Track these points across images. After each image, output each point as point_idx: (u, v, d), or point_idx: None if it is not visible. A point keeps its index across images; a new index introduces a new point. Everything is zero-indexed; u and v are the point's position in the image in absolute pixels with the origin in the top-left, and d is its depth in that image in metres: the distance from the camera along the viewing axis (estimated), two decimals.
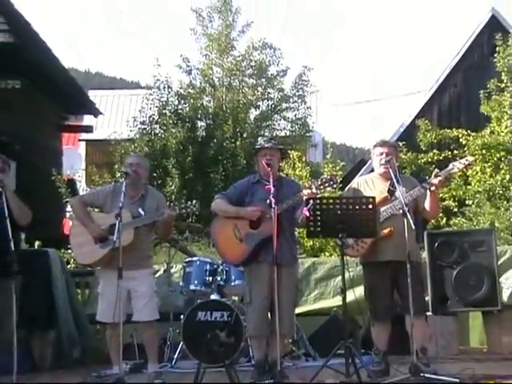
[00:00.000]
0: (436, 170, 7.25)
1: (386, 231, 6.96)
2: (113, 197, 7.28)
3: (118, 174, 18.02)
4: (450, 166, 7.17)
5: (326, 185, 6.98)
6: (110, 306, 6.98)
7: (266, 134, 23.70)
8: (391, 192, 6.94)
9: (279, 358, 6.61)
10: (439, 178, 6.96)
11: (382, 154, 7.20)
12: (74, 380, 7.60)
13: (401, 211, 6.68)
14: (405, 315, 6.97)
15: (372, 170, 7.55)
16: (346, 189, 8.98)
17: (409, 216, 6.61)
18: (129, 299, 7.36)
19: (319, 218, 6.74)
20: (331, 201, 6.93)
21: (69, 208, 18.23)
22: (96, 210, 7.82)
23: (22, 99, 18.82)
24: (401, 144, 14.58)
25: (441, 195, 7.75)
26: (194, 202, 7.42)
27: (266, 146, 7.44)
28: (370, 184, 7.27)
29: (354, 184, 7.58)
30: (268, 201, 6.71)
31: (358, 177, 10.80)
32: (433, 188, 6.95)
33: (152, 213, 7.39)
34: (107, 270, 7.30)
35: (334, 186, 7.22)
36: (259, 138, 22.15)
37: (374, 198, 6.86)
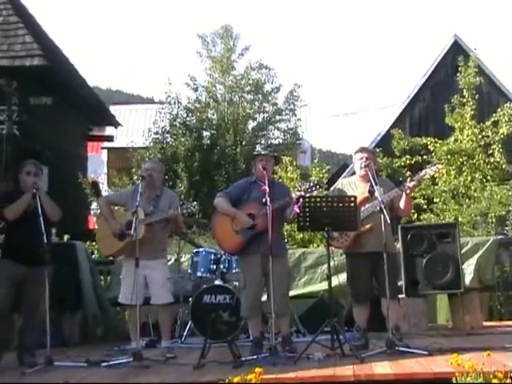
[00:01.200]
0: (409, 176, 7.29)
1: (367, 227, 6.98)
2: (133, 197, 7.27)
3: (135, 177, 18.01)
4: (423, 172, 7.23)
5: (314, 188, 6.99)
6: (130, 291, 7.02)
7: (262, 142, 23.79)
8: (371, 192, 6.97)
9: (273, 334, 6.65)
10: (413, 183, 7.03)
11: (362, 158, 7.23)
12: (97, 354, 7.60)
13: (378, 208, 6.73)
14: (381, 298, 7.00)
15: (354, 173, 7.56)
16: (332, 189, 8.98)
17: (385, 213, 6.65)
18: (146, 285, 7.37)
19: (308, 214, 6.78)
20: (318, 199, 6.98)
21: (93, 206, 18.34)
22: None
23: (53, 113, 18.81)
24: (378, 150, 14.63)
25: (412, 194, 7.80)
26: (195, 203, 7.41)
27: (263, 153, 7.52)
28: (353, 185, 7.29)
29: (338, 185, 7.62)
30: (264, 199, 6.74)
31: (341, 178, 10.84)
32: (408, 191, 7.01)
33: (163, 211, 7.41)
34: (128, 259, 7.32)
35: (320, 189, 7.22)
36: (257, 146, 22.22)
37: (355, 197, 6.89)
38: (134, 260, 6.95)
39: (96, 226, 8.20)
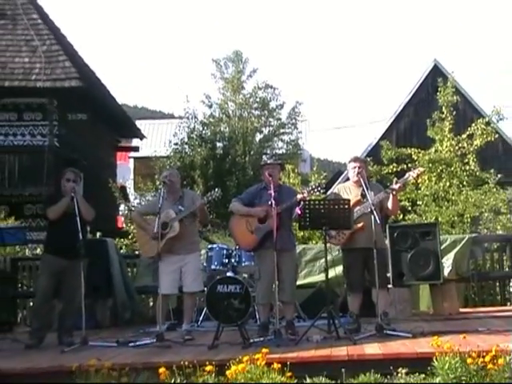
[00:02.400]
0: (395, 179, 7.32)
1: (359, 225, 6.98)
2: (159, 203, 7.27)
3: (158, 183, 18.04)
4: (407, 175, 7.29)
5: (315, 190, 7.04)
6: (170, 282, 7.16)
7: (268, 152, 23.79)
8: (363, 196, 6.97)
9: (277, 319, 6.63)
10: (399, 185, 7.07)
11: (355, 167, 7.23)
12: (125, 335, 7.63)
13: (369, 210, 6.73)
14: (372, 288, 7.00)
15: (348, 179, 7.57)
16: (329, 192, 9.00)
17: (375, 213, 6.66)
18: (180, 276, 7.40)
19: (308, 215, 6.77)
20: (317, 202, 6.97)
21: (121, 207, 18.36)
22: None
23: (88, 127, 18.94)
24: (369, 159, 14.59)
25: (399, 198, 7.82)
26: (217, 189, 7.48)
27: (269, 162, 7.49)
28: (347, 189, 7.29)
29: (335, 190, 7.65)
30: (270, 202, 6.75)
31: (336, 184, 10.83)
32: (394, 192, 7.02)
33: (190, 206, 7.43)
34: (167, 255, 7.23)
35: (321, 191, 7.24)
36: (263, 156, 22.17)
37: (349, 200, 6.90)
38: (171, 256, 7.10)
39: (137, 235, 8.23)
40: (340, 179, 20.94)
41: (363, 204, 6.98)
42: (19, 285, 10.35)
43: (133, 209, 16.56)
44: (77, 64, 18.35)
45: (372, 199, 6.84)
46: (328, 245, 7.07)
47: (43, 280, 7.55)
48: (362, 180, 7.04)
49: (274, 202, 6.69)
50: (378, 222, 6.68)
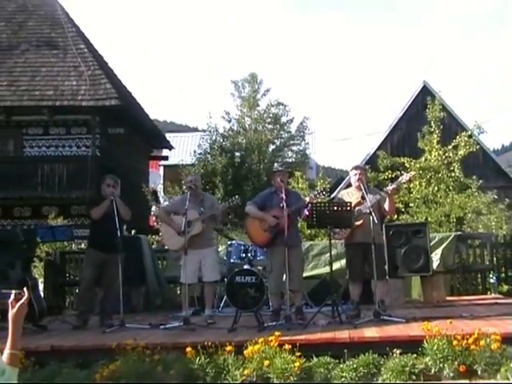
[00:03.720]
0: (390, 183, 7.30)
1: (358, 223, 6.95)
2: (183, 204, 7.27)
3: (184, 187, 18.08)
4: (400, 177, 7.38)
5: (320, 194, 7.05)
6: (189, 273, 7.10)
7: (279, 160, 23.82)
8: (363, 198, 6.95)
9: (288, 306, 6.64)
10: (393, 186, 7.11)
11: (356, 174, 7.21)
12: (156, 319, 7.62)
13: (368, 211, 6.70)
14: (371, 279, 6.95)
15: (350, 185, 7.56)
16: (333, 195, 9.00)
17: (373, 214, 6.62)
18: (200, 267, 7.39)
19: (315, 215, 6.76)
20: (323, 205, 6.96)
21: (152, 208, 18.37)
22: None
23: (124, 140, 19.02)
24: (367, 167, 14.51)
25: (394, 199, 7.91)
26: (237, 196, 7.54)
27: (280, 169, 7.52)
28: (350, 194, 7.25)
29: (339, 195, 7.63)
30: (281, 205, 6.73)
31: (339, 189, 10.76)
32: (389, 192, 7.01)
33: (209, 209, 7.45)
34: (189, 249, 7.14)
35: (325, 194, 7.22)
36: (275, 163, 22.22)
37: (350, 202, 6.89)
38: (192, 250, 7.07)
39: (162, 231, 8.23)
40: (342, 184, 20.94)
41: (362, 205, 6.96)
42: (67, 274, 10.42)
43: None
44: (116, 86, 18.49)
45: (370, 201, 6.82)
46: (332, 241, 7.09)
47: (87, 271, 7.62)
48: (361, 185, 7.02)
49: (285, 204, 6.68)
50: (376, 221, 6.65)
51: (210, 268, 7.45)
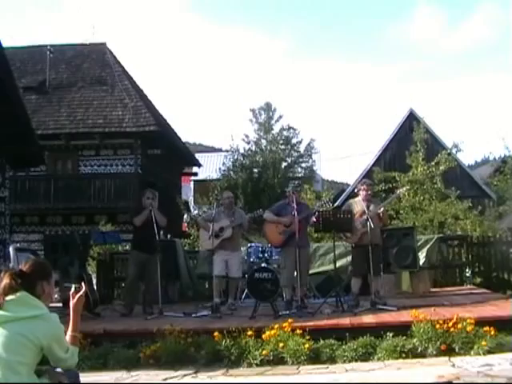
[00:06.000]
0: (382, 209, 7.05)
1: (364, 230, 6.79)
2: (218, 214, 7.33)
3: (211, 198, 18.09)
4: (396, 192, 7.67)
5: (325, 204, 7.06)
6: (218, 269, 7.21)
7: (290, 175, 23.82)
8: (368, 208, 6.85)
9: (299, 297, 6.65)
10: (382, 210, 6.93)
11: (363, 189, 7.10)
12: (189, 308, 7.58)
13: (370, 220, 6.64)
14: (368, 274, 6.90)
15: (356, 194, 7.44)
16: (338, 201, 8.97)
17: (370, 221, 6.59)
18: (226, 266, 7.41)
19: (321, 221, 6.73)
20: (328, 212, 6.97)
21: (185, 216, 18.41)
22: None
23: (161, 159, 19.17)
24: (364, 180, 14.44)
25: (387, 208, 7.95)
26: (260, 210, 7.52)
27: (297, 189, 7.42)
28: (358, 203, 7.07)
29: (348, 202, 7.41)
30: (292, 213, 6.75)
31: (344, 196, 10.61)
32: (379, 213, 6.90)
33: (238, 219, 7.49)
34: (218, 250, 7.29)
35: (330, 204, 7.20)
36: (290, 183, 22.28)
37: (351, 211, 6.90)
38: (223, 251, 7.21)
39: (200, 234, 8.33)
40: (343, 195, 20.88)
41: (366, 215, 6.82)
42: (115, 271, 10.46)
43: (193, 217, 16.61)
44: (154, 114, 18.69)
45: (372, 211, 6.80)
46: (336, 243, 7.07)
47: (131, 268, 7.64)
48: (366, 198, 6.99)
49: (296, 213, 6.70)
50: (372, 226, 6.58)
51: (235, 267, 7.49)
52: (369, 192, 7.09)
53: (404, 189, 7.60)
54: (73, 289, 2.94)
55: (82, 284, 2.98)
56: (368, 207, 6.88)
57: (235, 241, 7.57)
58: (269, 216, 7.22)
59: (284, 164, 24.72)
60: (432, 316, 5.31)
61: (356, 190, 7.42)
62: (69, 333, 2.83)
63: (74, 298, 2.91)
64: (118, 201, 17.03)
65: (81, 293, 2.93)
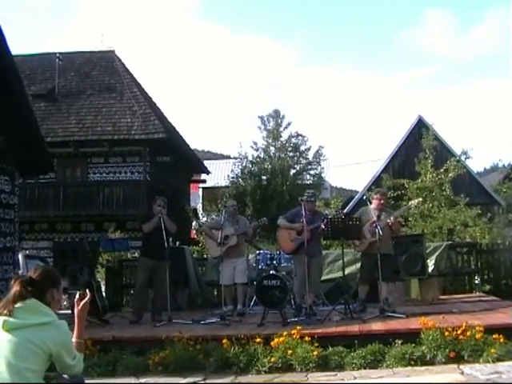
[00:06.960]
0: (392, 218, 6.99)
1: (373, 239, 6.80)
2: (223, 222, 7.37)
3: (219, 205, 18.11)
4: (410, 203, 7.66)
5: (338, 213, 7.07)
6: (226, 277, 7.37)
7: (298, 182, 23.76)
8: (379, 217, 6.86)
9: (308, 305, 6.64)
10: (393, 220, 6.87)
11: (377, 199, 7.13)
12: (198, 315, 7.61)
13: (380, 229, 6.63)
14: (377, 281, 6.87)
15: (361, 200, 7.51)
16: (348, 206, 8.95)
17: (379, 228, 6.58)
18: (234, 272, 7.50)
19: (330, 229, 6.75)
20: (336, 220, 6.95)
21: (193, 224, 18.45)
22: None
23: (170, 166, 19.22)
24: (373, 187, 14.45)
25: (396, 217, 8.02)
26: (265, 218, 7.64)
27: (312, 200, 7.27)
28: (370, 211, 7.01)
29: (362, 209, 7.38)
30: (304, 221, 6.74)
31: (352, 203, 10.55)
32: (391, 223, 6.88)
33: (242, 227, 7.55)
34: (226, 257, 7.38)
35: (340, 214, 7.20)
36: (306, 193, 22.22)
37: (359, 218, 6.88)
38: (229, 259, 7.33)
39: (206, 243, 8.33)
40: (352, 202, 20.83)
41: (378, 223, 6.78)
42: (124, 278, 10.49)
43: (201, 225, 16.69)
44: (163, 121, 18.78)
45: (383, 221, 6.81)
46: (345, 249, 7.08)
47: (140, 275, 7.66)
48: (378, 208, 7.01)
49: (305, 222, 6.68)
50: (381, 233, 6.58)
51: (240, 272, 7.60)
52: (381, 201, 7.11)
53: (416, 201, 7.58)
54: (77, 296, 2.95)
55: (87, 291, 2.99)
56: (379, 217, 6.88)
57: (240, 247, 7.73)
58: (282, 222, 7.26)
59: (292, 171, 24.65)
60: (441, 323, 5.31)
61: (370, 198, 7.40)
62: (73, 339, 2.84)
63: (78, 305, 2.93)
64: (126, 208, 17.10)
65: (85, 300, 2.93)
